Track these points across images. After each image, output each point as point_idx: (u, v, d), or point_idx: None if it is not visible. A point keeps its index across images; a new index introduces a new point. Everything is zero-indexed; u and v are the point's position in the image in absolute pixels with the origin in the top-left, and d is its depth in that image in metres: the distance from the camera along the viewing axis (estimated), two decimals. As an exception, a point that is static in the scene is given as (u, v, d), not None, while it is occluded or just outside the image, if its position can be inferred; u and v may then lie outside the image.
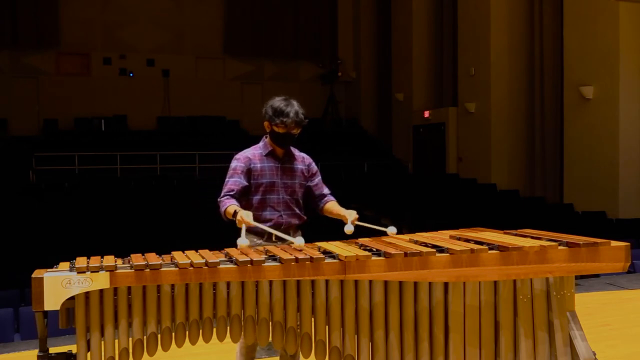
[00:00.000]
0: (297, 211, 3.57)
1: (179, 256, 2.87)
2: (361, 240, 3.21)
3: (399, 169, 17.27)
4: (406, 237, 3.31)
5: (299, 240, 3.14)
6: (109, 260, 2.75)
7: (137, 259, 2.80)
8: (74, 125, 17.07)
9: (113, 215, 10.84)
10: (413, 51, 16.89)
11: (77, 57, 17.45)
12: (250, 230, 3.44)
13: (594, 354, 2.97)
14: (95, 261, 2.74)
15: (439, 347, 2.87)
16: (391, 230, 3.43)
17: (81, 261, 2.76)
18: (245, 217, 3.20)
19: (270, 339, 2.79)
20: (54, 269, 2.74)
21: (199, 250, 2.95)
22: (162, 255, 2.89)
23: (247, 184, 3.47)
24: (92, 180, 13.85)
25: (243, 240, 3.14)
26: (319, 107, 19.16)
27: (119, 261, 2.77)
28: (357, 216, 3.46)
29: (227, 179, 3.49)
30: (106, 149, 15.26)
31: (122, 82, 17.73)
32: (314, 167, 3.69)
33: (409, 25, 16.97)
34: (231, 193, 3.42)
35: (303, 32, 19.26)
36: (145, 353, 2.72)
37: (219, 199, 3.43)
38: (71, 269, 2.70)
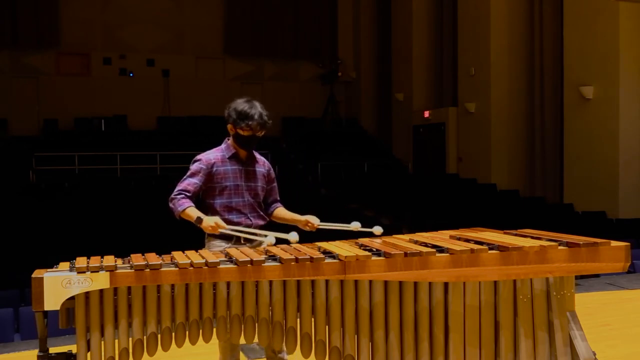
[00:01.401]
0: (261, 212, 3.58)
1: (179, 256, 2.87)
2: (361, 240, 3.21)
3: (399, 169, 17.27)
4: (406, 237, 3.31)
5: (292, 236, 3.19)
6: (109, 260, 2.76)
7: (137, 259, 2.80)
8: (74, 125, 17.07)
9: (113, 215, 10.83)
10: (413, 51, 16.88)
11: (77, 57, 17.44)
12: (217, 235, 3.42)
13: (594, 354, 2.97)
14: (95, 261, 2.74)
15: (439, 347, 2.87)
16: (355, 224, 3.43)
17: (81, 261, 2.76)
18: (220, 222, 3.23)
19: (270, 339, 2.79)
20: (54, 269, 2.74)
21: (199, 250, 2.96)
22: (162, 255, 2.90)
23: (204, 187, 3.44)
24: (92, 180, 13.85)
25: (270, 238, 3.16)
26: (319, 107, 19.16)
27: (119, 261, 2.77)
28: (317, 222, 3.51)
29: (185, 177, 3.46)
30: (106, 149, 15.25)
31: (122, 82, 17.72)
32: (272, 173, 3.70)
33: (409, 25, 16.96)
34: (187, 194, 3.39)
35: (303, 32, 19.25)
36: (145, 353, 2.72)
37: (172, 196, 3.39)
38: (71, 269, 2.70)
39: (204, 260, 2.73)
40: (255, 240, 3.46)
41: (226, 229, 3.26)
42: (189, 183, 3.43)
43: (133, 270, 2.67)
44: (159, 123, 18.00)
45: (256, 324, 2.77)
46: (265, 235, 3.24)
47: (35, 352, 2.75)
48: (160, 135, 17.10)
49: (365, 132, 19.27)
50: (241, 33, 18.52)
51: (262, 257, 2.81)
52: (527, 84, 14.27)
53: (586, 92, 12.56)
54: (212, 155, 3.53)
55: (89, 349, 2.66)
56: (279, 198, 3.74)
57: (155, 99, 17.97)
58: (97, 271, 2.65)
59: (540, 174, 14.03)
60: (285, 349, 2.87)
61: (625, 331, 4.95)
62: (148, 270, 2.68)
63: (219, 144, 3.68)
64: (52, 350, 2.75)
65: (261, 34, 18.64)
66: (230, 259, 2.83)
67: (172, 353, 2.83)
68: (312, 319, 2.80)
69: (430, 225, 8.85)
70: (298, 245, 3.16)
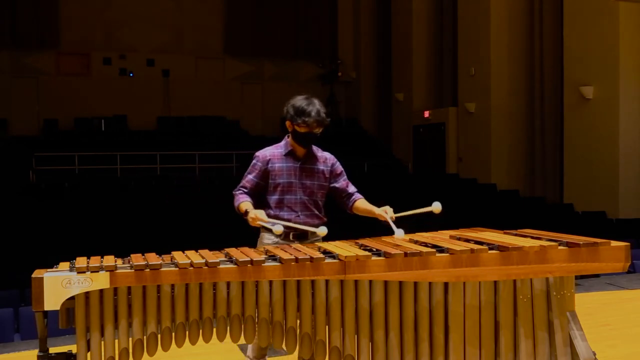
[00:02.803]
0: (316, 212, 3.55)
1: (179, 256, 2.87)
2: (361, 240, 3.21)
3: (399, 169, 17.26)
4: (406, 237, 3.31)
5: (321, 230, 3.24)
6: (109, 260, 2.75)
7: (137, 259, 2.80)
8: (74, 125, 17.08)
9: (113, 215, 10.83)
10: (413, 51, 16.89)
11: (77, 57, 17.45)
12: (268, 230, 3.44)
13: (594, 354, 2.97)
14: (95, 261, 2.74)
15: (439, 347, 2.87)
16: (436, 205, 3.45)
17: (81, 261, 2.76)
18: (260, 215, 3.28)
19: (270, 339, 2.79)
20: (54, 269, 2.74)
21: (199, 250, 2.95)
22: (162, 255, 2.89)
23: (261, 183, 3.51)
24: (92, 180, 13.85)
25: (278, 227, 3.19)
26: (319, 107, 19.14)
27: (119, 261, 2.77)
28: (392, 213, 3.43)
29: (245, 174, 3.56)
30: (106, 149, 15.25)
31: (122, 82, 17.73)
32: (339, 167, 3.66)
33: (409, 25, 16.96)
34: (245, 190, 3.50)
35: (303, 32, 19.26)
36: (145, 353, 2.72)
37: (234, 191, 3.53)
38: (71, 269, 2.70)
39: (204, 260, 2.73)
40: (307, 238, 3.45)
41: (263, 222, 3.28)
42: (247, 180, 3.53)
43: (133, 270, 2.67)
44: (159, 123, 18.00)
45: (256, 324, 2.77)
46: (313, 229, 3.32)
47: (35, 352, 2.74)
48: (160, 135, 17.10)
49: (365, 132, 19.27)
50: (241, 33, 18.52)
51: (262, 257, 2.80)
52: (527, 84, 14.27)
53: (586, 92, 12.56)
54: (269, 152, 3.55)
55: (89, 349, 2.66)
56: (355, 189, 3.68)
57: (155, 99, 17.98)
58: (97, 271, 2.65)
59: (540, 174, 14.03)
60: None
61: (625, 331, 4.95)
62: (148, 270, 2.67)
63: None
64: (52, 350, 2.75)
65: (261, 34, 18.64)
66: (230, 259, 2.83)
67: (172, 353, 2.83)
68: (312, 319, 2.80)
69: (430, 225, 8.83)
70: (298, 245, 3.17)
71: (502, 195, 13.86)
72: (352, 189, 3.67)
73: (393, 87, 17.99)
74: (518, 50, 14.29)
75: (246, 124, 18.07)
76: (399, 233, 3.24)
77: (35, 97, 16.94)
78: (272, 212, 3.45)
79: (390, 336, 2.82)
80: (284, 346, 2.83)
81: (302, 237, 3.45)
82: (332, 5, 19.65)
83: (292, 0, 19.04)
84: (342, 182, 3.65)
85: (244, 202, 3.42)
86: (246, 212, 3.34)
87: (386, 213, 3.42)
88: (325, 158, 3.62)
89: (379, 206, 3.54)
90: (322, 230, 3.27)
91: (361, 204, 3.61)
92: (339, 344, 2.81)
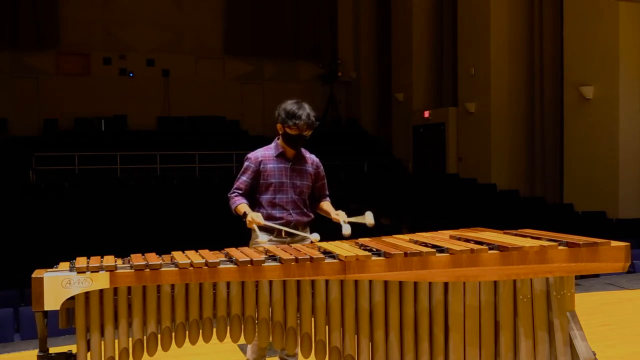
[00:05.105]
0: (305, 210, 3.76)
1: (179, 256, 2.87)
2: (361, 240, 3.21)
3: (399, 169, 17.26)
4: (406, 237, 3.31)
5: (314, 236, 3.42)
6: (109, 260, 2.76)
7: (137, 259, 2.80)
8: (74, 125, 17.06)
9: (113, 215, 10.83)
10: (413, 51, 16.88)
11: (77, 57, 17.43)
12: (261, 227, 3.59)
13: (594, 354, 2.97)
14: (95, 261, 2.74)
15: (439, 347, 2.87)
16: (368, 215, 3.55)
17: (81, 261, 2.76)
18: (256, 218, 3.47)
19: (270, 339, 2.79)
20: (54, 269, 2.74)
21: (199, 250, 2.96)
22: (162, 255, 2.90)
23: (253, 183, 3.69)
24: (92, 180, 13.85)
25: (262, 237, 3.39)
26: (319, 107, 19.12)
27: (119, 261, 2.77)
28: (345, 217, 3.68)
29: (238, 176, 3.73)
30: (106, 149, 15.25)
31: (122, 82, 17.70)
32: (322, 171, 3.88)
33: (409, 25, 16.96)
34: (240, 192, 3.66)
35: (303, 32, 19.24)
36: (145, 353, 2.72)
37: (229, 194, 3.69)
38: (71, 269, 2.70)
39: (204, 260, 2.73)
40: (297, 235, 3.64)
41: (260, 224, 3.47)
42: (240, 181, 3.71)
43: (133, 270, 2.67)
44: (159, 123, 17.99)
45: (256, 324, 2.77)
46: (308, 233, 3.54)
47: (35, 352, 2.75)
48: (160, 135, 17.10)
49: (365, 132, 19.27)
50: (241, 33, 18.50)
51: (262, 257, 2.81)
52: (527, 84, 14.26)
53: (586, 92, 12.55)
54: (260, 154, 3.75)
55: (89, 349, 2.66)
56: (327, 193, 3.93)
57: (155, 99, 17.96)
58: (97, 271, 2.65)
59: (540, 174, 14.03)
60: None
61: (625, 331, 4.96)
62: (148, 270, 2.68)
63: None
64: (52, 350, 2.75)
65: (261, 34, 18.61)
66: (230, 259, 2.83)
67: (172, 353, 2.83)
68: (312, 319, 2.80)
69: (430, 225, 8.84)
70: (298, 246, 3.17)
71: (502, 195, 13.86)
72: (325, 192, 3.93)
73: (393, 87, 17.98)
74: (518, 50, 14.29)
75: (246, 124, 18.07)
76: (345, 229, 3.51)
77: (35, 97, 16.92)
78: (264, 211, 3.64)
79: (390, 336, 2.82)
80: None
81: (293, 234, 3.62)
82: (332, 5, 19.63)
83: (292, 0, 19.03)
84: (321, 185, 3.88)
85: (241, 205, 3.60)
86: (245, 214, 3.52)
87: (338, 216, 3.70)
88: (313, 160, 3.84)
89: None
90: (315, 237, 3.44)
91: (325, 205, 3.87)
92: (339, 344, 2.81)
